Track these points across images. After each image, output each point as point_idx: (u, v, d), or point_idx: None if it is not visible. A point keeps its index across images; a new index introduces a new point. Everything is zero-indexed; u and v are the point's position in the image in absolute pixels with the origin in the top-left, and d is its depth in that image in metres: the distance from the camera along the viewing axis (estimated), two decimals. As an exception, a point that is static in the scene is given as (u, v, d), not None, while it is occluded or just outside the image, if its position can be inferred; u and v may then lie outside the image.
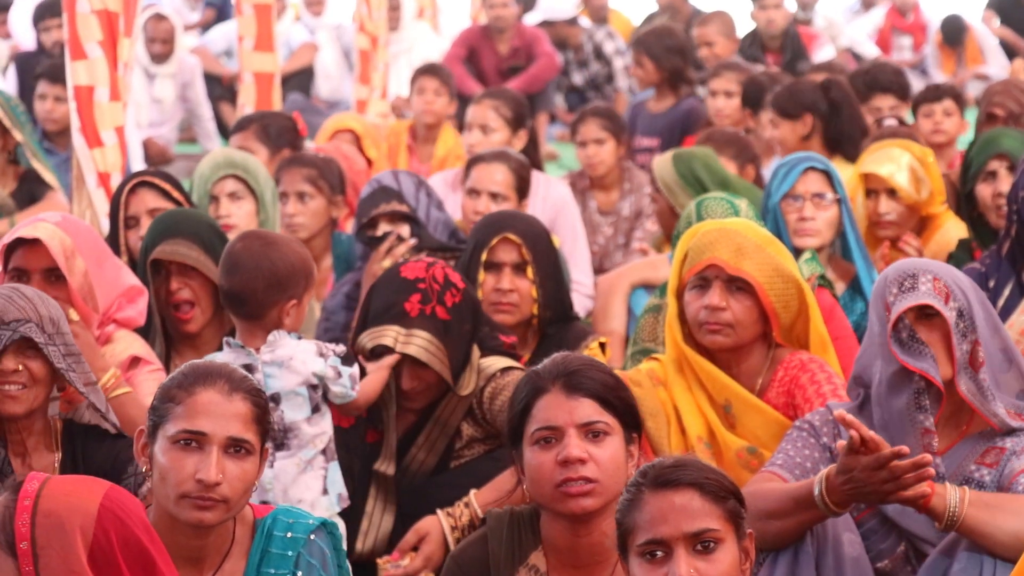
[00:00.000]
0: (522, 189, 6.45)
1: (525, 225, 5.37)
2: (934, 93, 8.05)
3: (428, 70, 9.45)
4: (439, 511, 4.47)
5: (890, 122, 7.66)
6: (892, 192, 6.20)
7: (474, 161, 6.56)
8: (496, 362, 4.76)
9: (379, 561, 4.49)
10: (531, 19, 12.73)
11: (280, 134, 7.17)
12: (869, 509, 4.10)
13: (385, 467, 4.69)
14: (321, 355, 4.44)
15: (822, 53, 12.95)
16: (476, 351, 4.78)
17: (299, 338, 4.47)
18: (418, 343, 4.62)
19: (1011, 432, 4.05)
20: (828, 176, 5.78)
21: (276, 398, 4.37)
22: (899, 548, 4.09)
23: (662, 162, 6.39)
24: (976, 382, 4.01)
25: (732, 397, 4.45)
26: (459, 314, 4.70)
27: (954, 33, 14.32)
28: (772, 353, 4.52)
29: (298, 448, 4.38)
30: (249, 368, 4.33)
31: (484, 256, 5.22)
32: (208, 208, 5.83)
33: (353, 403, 4.52)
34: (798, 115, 7.53)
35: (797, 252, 5.59)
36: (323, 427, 4.44)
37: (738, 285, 4.42)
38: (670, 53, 9.70)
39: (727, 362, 4.48)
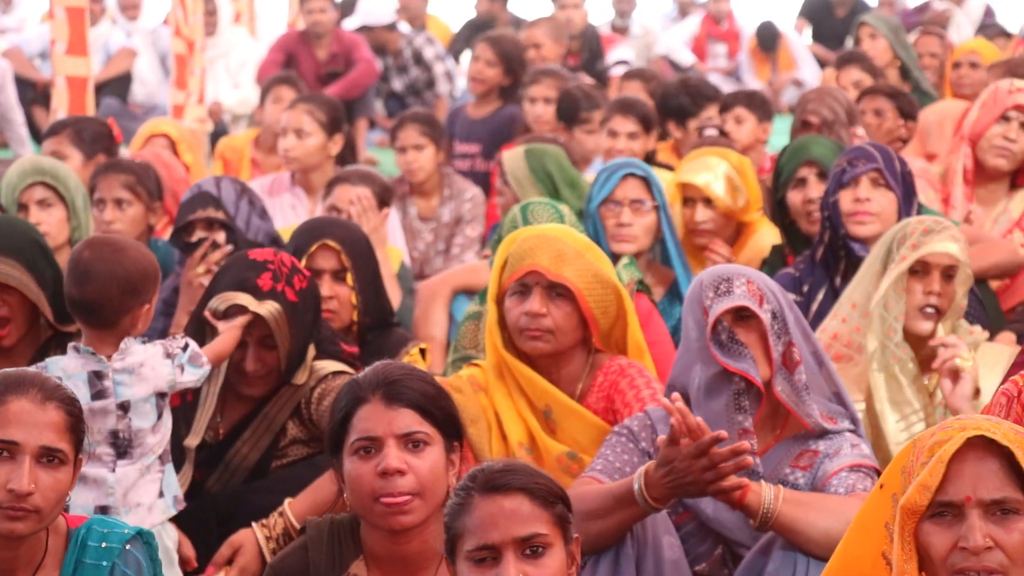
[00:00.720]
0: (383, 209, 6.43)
1: (344, 232, 5.36)
2: (730, 100, 8.22)
3: (284, 79, 9.39)
4: (253, 524, 4.44)
5: (710, 132, 7.77)
6: (708, 201, 6.30)
7: (337, 180, 6.51)
8: (329, 365, 4.74)
9: None
10: (349, 24, 12.68)
11: (95, 139, 7.06)
12: (687, 513, 4.16)
13: (191, 440, 4.64)
14: (168, 356, 4.40)
15: (617, 53, 13.11)
16: (312, 349, 4.76)
17: (144, 341, 4.42)
18: (270, 307, 4.60)
19: (824, 435, 4.14)
20: (647, 183, 5.85)
21: (125, 406, 4.32)
22: (716, 551, 4.16)
23: (514, 156, 6.42)
24: (791, 383, 4.10)
25: (552, 403, 4.48)
26: (304, 301, 4.69)
27: (768, 40, 14.55)
28: (591, 359, 4.57)
29: (140, 456, 4.34)
30: (99, 375, 4.28)
31: (304, 262, 5.20)
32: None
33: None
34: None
35: (615, 257, 5.64)
36: (164, 432, 4.40)
37: (558, 291, 4.46)
38: (513, 61, 9.72)
39: (547, 368, 4.51)
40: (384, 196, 6.42)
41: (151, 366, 4.37)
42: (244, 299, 4.63)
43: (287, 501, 4.46)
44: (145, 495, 4.35)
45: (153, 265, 4.49)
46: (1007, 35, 12.32)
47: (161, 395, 4.38)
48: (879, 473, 4.06)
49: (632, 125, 7.75)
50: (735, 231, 6.49)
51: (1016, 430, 2.96)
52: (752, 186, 6.40)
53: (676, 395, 3.90)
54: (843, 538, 3.14)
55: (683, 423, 3.82)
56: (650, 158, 7.67)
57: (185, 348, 4.45)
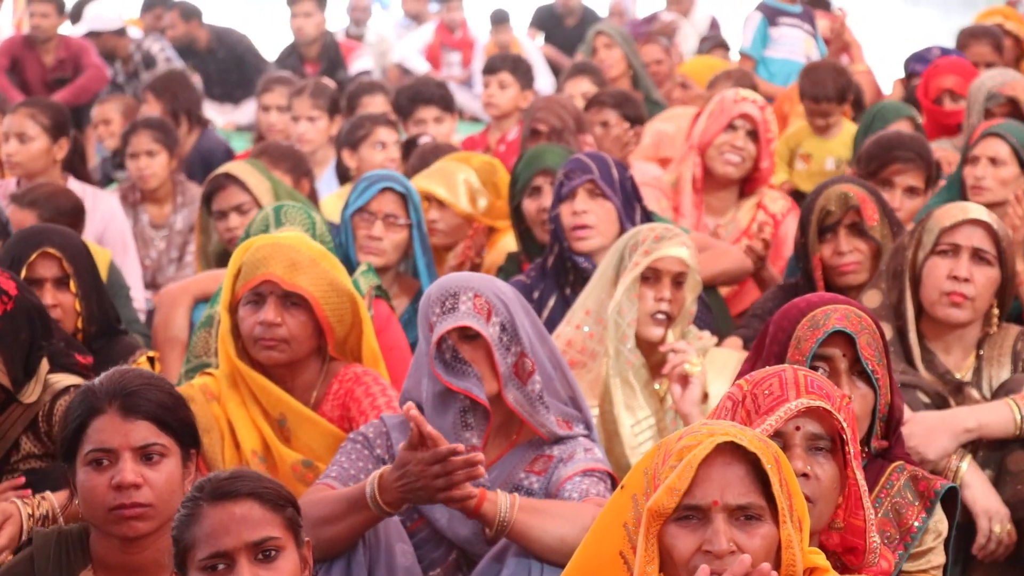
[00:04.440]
0: None
1: (63, 238, 5.23)
2: (497, 63, 8.38)
3: None
4: (15, 499, 4.28)
5: (424, 139, 7.82)
6: (443, 204, 6.34)
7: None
8: (64, 379, 4.61)
9: None
10: (78, 30, 12.42)
11: None
12: (421, 519, 4.17)
13: None
14: None
15: (359, 64, 13.09)
16: (45, 363, 4.62)
17: None
18: None
19: (559, 440, 4.18)
20: (405, 199, 5.82)
21: None
22: (450, 557, 4.17)
23: (242, 165, 6.35)
24: (524, 393, 4.12)
25: (287, 411, 4.44)
26: (13, 321, 4.53)
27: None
28: (326, 367, 4.54)
29: None
30: None
31: (24, 272, 5.05)
32: None
33: None
34: None
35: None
36: None
37: (293, 300, 4.42)
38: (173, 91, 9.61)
39: (282, 376, 4.47)
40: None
41: None
42: None
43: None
44: None
45: None
46: (725, 47, 12.62)
47: None
48: (612, 477, 4.14)
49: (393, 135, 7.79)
50: (487, 237, 6.52)
51: (761, 438, 3.02)
52: (504, 191, 6.44)
53: (411, 404, 3.89)
54: (584, 538, 3.16)
55: (418, 433, 3.82)
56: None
57: None
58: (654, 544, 2.99)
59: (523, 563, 3.93)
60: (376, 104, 8.89)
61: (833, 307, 3.84)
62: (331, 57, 12.30)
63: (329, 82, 10.30)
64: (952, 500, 3.82)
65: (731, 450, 2.98)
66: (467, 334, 4.09)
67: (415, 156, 7.18)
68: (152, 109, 9.32)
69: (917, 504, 3.77)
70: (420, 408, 4.08)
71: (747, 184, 6.81)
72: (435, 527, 4.15)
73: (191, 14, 13.37)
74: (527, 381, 4.13)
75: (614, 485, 4.15)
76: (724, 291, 6.31)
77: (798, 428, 3.35)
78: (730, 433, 2.98)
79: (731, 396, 3.36)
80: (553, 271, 5.71)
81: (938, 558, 3.76)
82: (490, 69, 9.01)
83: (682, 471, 2.95)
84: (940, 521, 3.80)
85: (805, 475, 3.32)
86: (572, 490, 4.05)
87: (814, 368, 3.77)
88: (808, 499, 3.29)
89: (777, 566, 2.98)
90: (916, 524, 3.74)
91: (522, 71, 8.90)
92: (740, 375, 3.87)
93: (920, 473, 3.81)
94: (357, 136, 7.51)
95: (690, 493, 2.96)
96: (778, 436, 3.32)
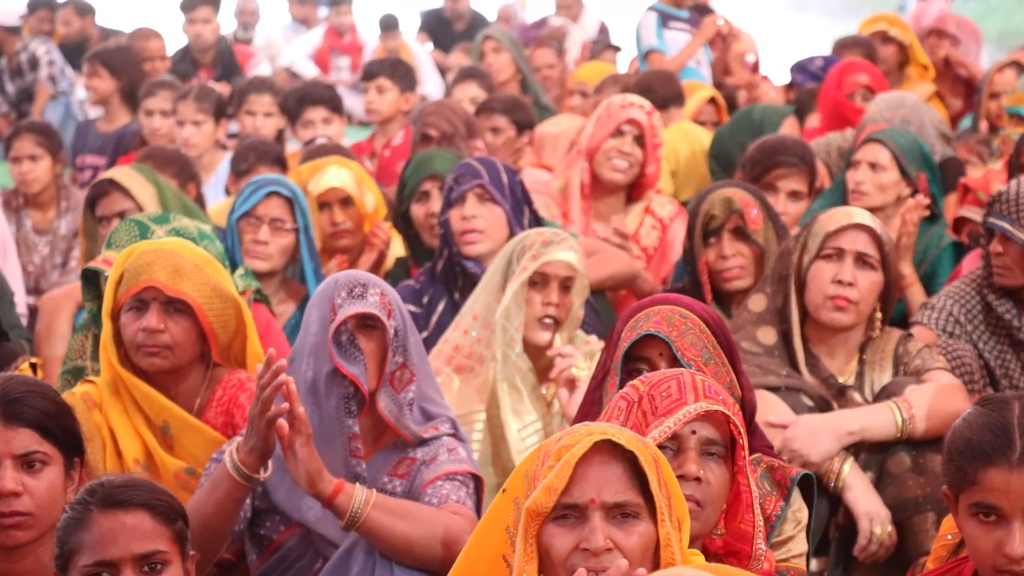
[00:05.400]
0: None
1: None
2: (375, 68, 8.37)
3: None
4: None
5: (321, 140, 7.79)
6: (345, 202, 6.29)
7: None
8: None
9: None
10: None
11: None
12: (290, 529, 4.17)
13: None
14: None
15: (258, 70, 13.00)
16: None
17: None
18: None
19: (424, 442, 4.19)
20: (292, 204, 5.78)
21: None
22: (316, 565, 4.17)
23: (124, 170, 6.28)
24: (396, 400, 4.13)
25: (170, 418, 4.41)
26: None
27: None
28: (210, 373, 4.51)
29: None
30: None
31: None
32: None
33: None
34: None
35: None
36: None
37: (176, 306, 4.38)
38: (128, 67, 9.52)
39: (165, 383, 4.44)
40: None
41: None
42: None
43: None
44: None
45: None
46: (616, 49, 12.68)
47: None
48: (475, 478, 4.15)
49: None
50: (365, 242, 6.50)
51: (639, 437, 3.03)
52: (376, 192, 6.43)
53: (289, 379, 3.87)
54: (467, 542, 3.16)
55: (291, 408, 3.83)
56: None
57: None
58: (533, 544, 2.99)
59: (371, 560, 3.99)
60: (263, 103, 8.82)
61: (657, 308, 3.86)
62: (226, 63, 12.21)
63: (225, 88, 10.23)
64: (810, 488, 3.83)
65: (609, 449, 2.98)
66: (367, 324, 4.11)
67: (304, 156, 7.14)
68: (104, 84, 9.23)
69: (775, 494, 3.78)
70: None
71: (634, 189, 6.84)
72: (304, 529, 4.15)
73: (86, 11, 13.25)
74: (402, 390, 4.14)
75: (477, 486, 4.20)
76: (611, 295, 6.33)
77: (694, 432, 3.35)
78: (608, 432, 2.99)
79: (625, 396, 3.37)
80: (443, 275, 5.71)
81: (799, 546, 3.76)
82: (368, 75, 8.98)
83: (560, 470, 2.95)
84: (799, 510, 3.80)
85: (698, 479, 3.33)
86: (432, 495, 4.09)
87: (636, 369, 3.81)
88: (698, 503, 3.31)
89: (656, 565, 2.99)
90: (775, 514, 3.76)
91: (400, 74, 8.87)
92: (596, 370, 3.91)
93: (776, 463, 3.83)
94: (240, 169, 7.35)
95: (568, 492, 2.97)
96: (674, 439, 3.34)
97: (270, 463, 3.96)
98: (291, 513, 4.18)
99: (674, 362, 3.79)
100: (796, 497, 3.80)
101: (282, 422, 3.86)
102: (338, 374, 4.08)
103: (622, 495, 2.98)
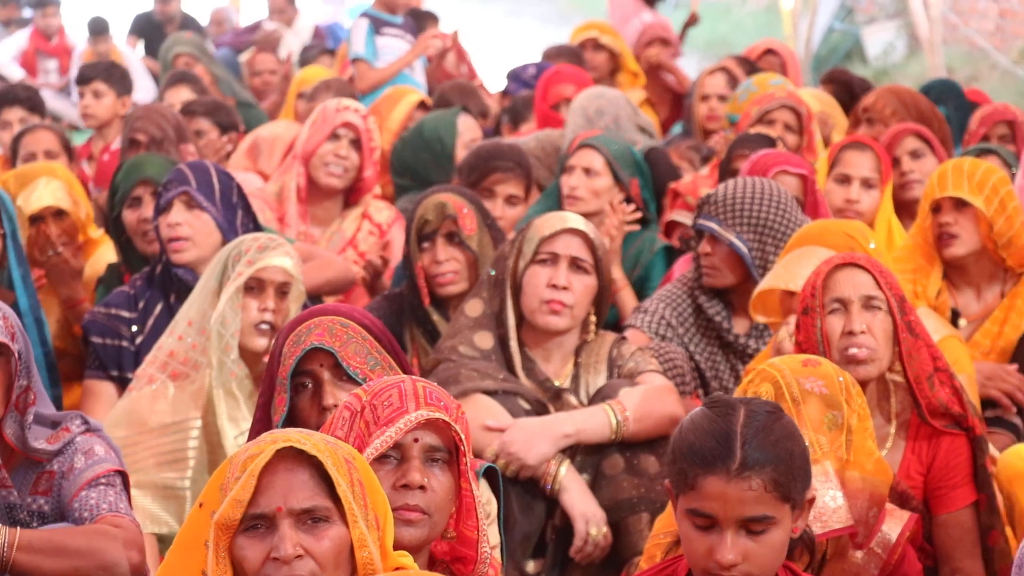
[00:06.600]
0: None
1: None
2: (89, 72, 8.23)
3: None
4: None
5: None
6: (59, 214, 6.15)
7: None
8: None
9: None
10: None
11: None
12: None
13: None
14: None
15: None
16: None
17: None
18: None
19: (58, 453, 4.05)
20: None
21: None
22: None
23: None
24: (20, 424, 3.98)
25: None
26: None
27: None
28: None
29: None
30: None
31: None
32: None
33: None
34: None
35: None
36: None
37: None
38: None
39: None
40: None
41: None
42: None
43: None
44: None
45: None
46: (331, 53, 12.66)
47: None
48: (120, 474, 4.03)
49: None
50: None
51: (328, 441, 3.01)
52: (86, 201, 6.30)
53: None
54: (165, 558, 3.11)
55: None
56: None
57: None
58: (226, 558, 2.95)
59: None
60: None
61: (317, 320, 3.86)
62: None
63: None
64: (495, 479, 3.85)
65: (294, 456, 2.96)
66: None
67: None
68: None
69: None
70: None
71: (352, 194, 6.83)
72: None
73: None
74: (25, 412, 4.00)
75: (124, 479, 4.06)
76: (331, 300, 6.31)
77: (416, 440, 3.35)
78: (292, 439, 2.97)
79: (348, 406, 3.35)
80: (159, 280, 5.61)
81: (491, 539, 3.76)
82: (83, 80, 8.79)
83: (245, 481, 2.92)
84: (488, 503, 3.83)
85: (422, 487, 3.33)
86: (80, 509, 3.95)
87: (301, 384, 3.82)
88: (423, 511, 3.31)
89: (353, 567, 2.98)
90: None
91: (116, 78, 8.73)
92: None
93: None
94: None
95: (254, 502, 2.94)
96: (397, 447, 3.33)
97: None
98: None
99: (338, 372, 3.80)
100: (484, 489, 3.83)
101: None
102: None
103: (309, 501, 2.96)
